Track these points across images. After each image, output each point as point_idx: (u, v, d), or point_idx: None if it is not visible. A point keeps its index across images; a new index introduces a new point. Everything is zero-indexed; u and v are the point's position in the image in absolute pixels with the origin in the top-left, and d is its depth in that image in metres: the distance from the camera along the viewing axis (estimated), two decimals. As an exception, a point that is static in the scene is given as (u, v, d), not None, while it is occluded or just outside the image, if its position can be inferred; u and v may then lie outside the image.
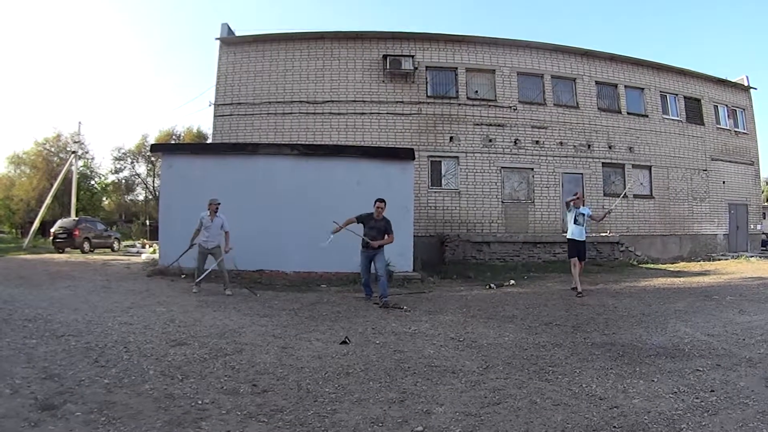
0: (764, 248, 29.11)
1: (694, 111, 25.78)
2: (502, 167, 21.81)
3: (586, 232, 12.49)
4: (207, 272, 11.26)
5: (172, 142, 47.02)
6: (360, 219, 10.44)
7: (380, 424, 3.95)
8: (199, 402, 4.26)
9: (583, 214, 12.25)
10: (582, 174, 22.67)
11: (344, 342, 6.60)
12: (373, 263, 10.37)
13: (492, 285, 13.27)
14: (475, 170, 21.45)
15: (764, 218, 33.20)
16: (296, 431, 3.80)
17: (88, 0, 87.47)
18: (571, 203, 12.35)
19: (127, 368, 5.10)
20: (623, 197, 20.04)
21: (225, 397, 4.43)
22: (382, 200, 10.47)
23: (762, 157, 28.10)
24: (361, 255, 10.55)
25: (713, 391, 4.75)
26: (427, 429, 3.88)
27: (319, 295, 11.41)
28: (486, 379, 5.16)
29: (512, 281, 14.22)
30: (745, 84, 28.15)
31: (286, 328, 7.53)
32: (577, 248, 12.26)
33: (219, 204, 11.26)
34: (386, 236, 10.36)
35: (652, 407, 4.34)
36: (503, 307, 9.97)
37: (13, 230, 41.83)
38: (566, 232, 12.82)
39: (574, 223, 12.21)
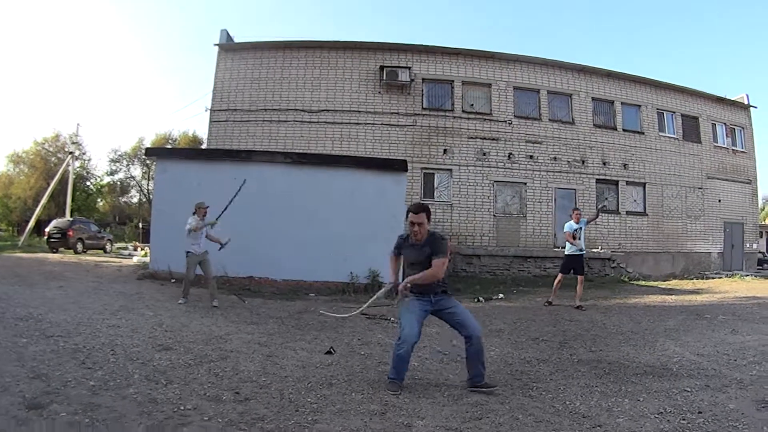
0: (760, 267, 29.18)
1: (691, 129, 25.94)
2: (495, 181, 21.88)
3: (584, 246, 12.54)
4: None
5: (168, 146, 47.18)
6: (396, 250, 5.93)
7: (360, 436, 3.95)
8: (182, 408, 4.28)
9: (581, 228, 12.31)
10: (575, 190, 22.77)
11: (329, 352, 6.62)
12: (450, 319, 5.54)
13: (481, 298, 13.31)
14: (468, 183, 21.52)
15: (761, 237, 33.27)
16: (276, 440, 3.80)
17: (91, 2, 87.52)
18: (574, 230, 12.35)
19: (113, 371, 5.12)
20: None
21: (207, 403, 4.45)
22: (421, 209, 5.67)
23: (761, 176, 28.27)
24: (413, 303, 5.48)
25: (701, 412, 4.71)
26: (406, 442, 3.86)
27: (307, 304, 11.40)
28: (468, 394, 5.17)
29: (501, 295, 14.24)
30: (745, 102, 28.31)
31: (272, 337, 7.55)
32: (573, 263, 12.26)
33: (208, 207, 10.76)
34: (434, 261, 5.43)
35: (637, 427, 4.32)
36: (491, 320, 9.94)
37: (10, 228, 41.88)
38: (558, 248, 12.86)
39: (575, 238, 12.23)
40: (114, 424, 3.83)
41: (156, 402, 4.37)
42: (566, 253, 12.46)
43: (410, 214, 5.61)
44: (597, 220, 14.39)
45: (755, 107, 28.48)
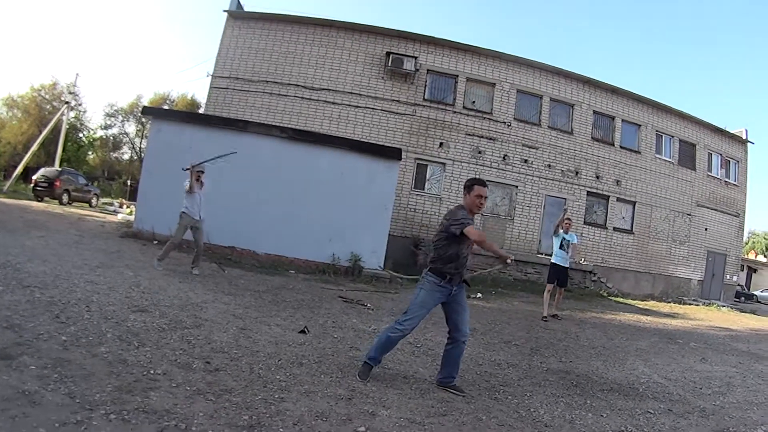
0: (737, 300, 29.50)
1: (687, 155, 26.07)
2: (487, 180, 21.70)
3: (569, 260, 12.14)
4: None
5: (166, 106, 46.88)
6: (466, 223, 5.03)
7: (324, 419, 3.99)
8: (151, 372, 4.30)
9: (569, 241, 11.92)
10: (565, 199, 22.78)
11: (303, 331, 6.65)
12: (452, 315, 5.29)
13: (459, 294, 13.23)
14: (460, 179, 21.36)
15: (742, 270, 33.56)
16: (241, 414, 3.82)
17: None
18: (560, 228, 11.93)
19: (86, 328, 5.12)
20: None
21: (177, 370, 4.47)
22: (484, 184, 5.30)
23: (750, 211, 28.61)
24: (431, 293, 5.18)
25: (661, 436, 4.74)
26: (369, 430, 3.92)
27: (286, 281, 11.39)
28: (436, 389, 5.21)
29: (479, 294, 14.20)
30: (743, 137, 28.44)
31: (248, 310, 7.56)
32: (558, 274, 11.90)
33: (203, 172, 10.31)
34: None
35: (597, 443, 4.33)
36: (466, 318, 9.93)
37: (-4, 171, 41.62)
38: (541, 254, 12.60)
39: (560, 248, 11.87)
40: (82, 381, 3.84)
41: (126, 363, 4.39)
42: (553, 261, 12.08)
43: (477, 187, 5.18)
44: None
45: (752, 143, 28.69)
